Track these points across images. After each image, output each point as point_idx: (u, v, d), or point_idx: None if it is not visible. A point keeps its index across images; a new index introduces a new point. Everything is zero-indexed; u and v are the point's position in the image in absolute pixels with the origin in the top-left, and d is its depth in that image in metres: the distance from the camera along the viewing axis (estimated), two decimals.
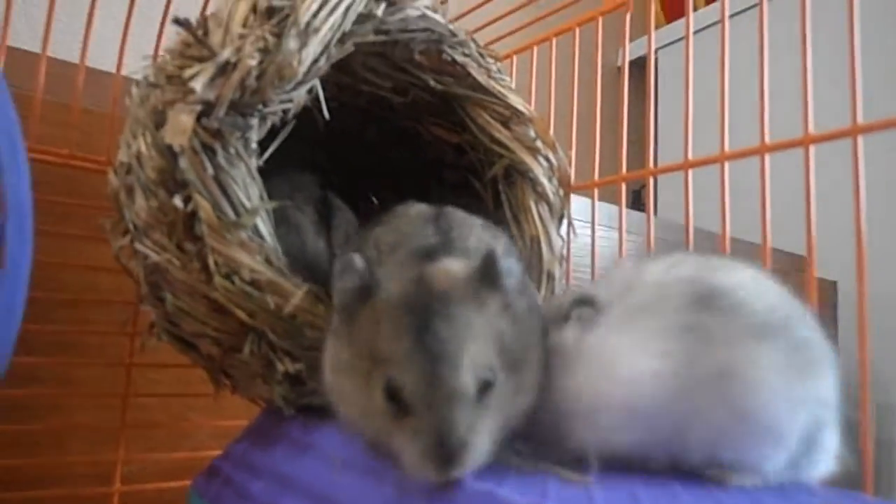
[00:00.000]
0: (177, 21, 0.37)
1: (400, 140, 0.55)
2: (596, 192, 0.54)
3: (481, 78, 0.46)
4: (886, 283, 0.48)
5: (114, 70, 0.58)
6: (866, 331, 0.38)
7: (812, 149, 0.41)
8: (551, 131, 0.51)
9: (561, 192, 0.47)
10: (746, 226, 0.54)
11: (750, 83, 0.46)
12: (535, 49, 0.61)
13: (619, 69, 0.55)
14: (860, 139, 0.39)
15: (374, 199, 0.63)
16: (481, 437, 0.25)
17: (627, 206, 0.52)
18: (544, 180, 0.46)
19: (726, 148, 0.45)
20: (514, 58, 0.64)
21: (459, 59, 0.45)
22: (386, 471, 0.29)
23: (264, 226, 0.37)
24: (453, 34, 0.45)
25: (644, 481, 0.25)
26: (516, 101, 0.47)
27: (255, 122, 0.37)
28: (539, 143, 0.47)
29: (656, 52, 1.12)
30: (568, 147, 0.54)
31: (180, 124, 0.35)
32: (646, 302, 0.27)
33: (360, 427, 0.29)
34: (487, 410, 0.25)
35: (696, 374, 0.25)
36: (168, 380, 0.62)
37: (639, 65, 1.36)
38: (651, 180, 0.51)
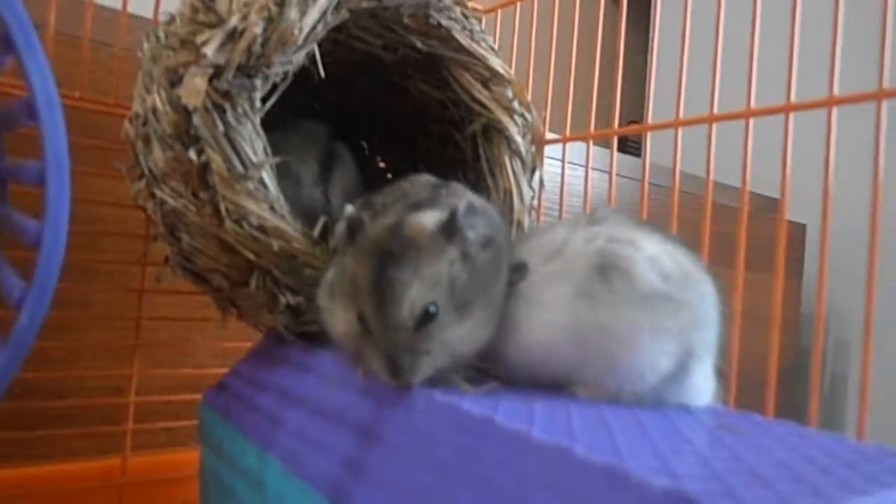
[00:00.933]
0: None
1: (389, 91, 0.59)
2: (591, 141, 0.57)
3: (464, 41, 0.50)
4: (850, 224, 0.53)
5: (119, 6, 0.61)
6: (825, 274, 0.42)
7: (791, 115, 0.44)
8: (551, 78, 0.56)
9: (533, 148, 0.52)
10: (728, 170, 0.58)
11: (741, 43, 0.48)
12: (530, 2, 0.64)
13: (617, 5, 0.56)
14: (835, 109, 0.42)
15: (364, 145, 0.67)
16: (421, 356, 0.32)
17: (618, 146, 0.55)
18: (518, 138, 0.51)
19: (715, 109, 0.48)
20: (518, 5, 0.66)
21: (444, 22, 0.50)
22: (368, 386, 0.36)
23: (269, 178, 0.42)
24: (438, 0, 0.49)
25: (544, 396, 0.33)
26: (496, 63, 0.51)
27: (259, 83, 0.42)
28: (515, 104, 0.51)
29: None
30: (565, 93, 0.58)
31: (195, 86, 0.40)
32: (561, 270, 0.34)
33: (344, 344, 0.36)
34: (430, 337, 0.32)
35: (584, 328, 0.33)
36: (172, 304, 0.68)
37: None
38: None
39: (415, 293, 0.32)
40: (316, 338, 0.45)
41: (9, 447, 0.60)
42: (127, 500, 0.61)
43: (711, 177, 0.48)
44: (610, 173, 0.54)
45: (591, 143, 0.56)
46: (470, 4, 0.66)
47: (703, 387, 0.35)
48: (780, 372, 0.49)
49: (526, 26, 0.63)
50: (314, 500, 0.35)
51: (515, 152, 0.51)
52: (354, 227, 0.35)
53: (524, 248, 0.38)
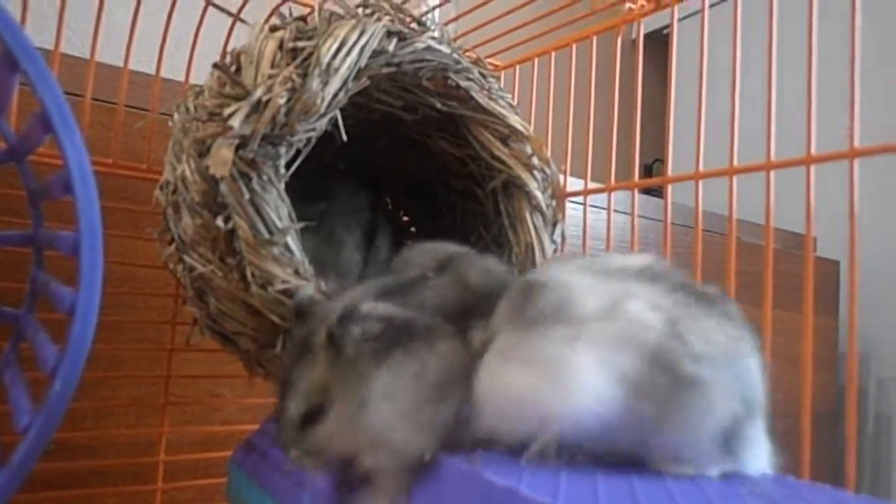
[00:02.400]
0: (216, 66, 0.43)
1: (410, 148, 0.60)
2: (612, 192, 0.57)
3: (482, 100, 0.51)
4: (887, 260, 0.52)
5: (152, 72, 0.63)
6: (856, 311, 0.41)
7: (817, 169, 0.44)
8: (569, 132, 0.57)
9: (554, 202, 0.53)
10: (757, 207, 0.57)
11: (761, 89, 0.47)
12: (547, 57, 0.65)
13: (634, 61, 0.57)
14: (856, 162, 0.42)
15: (387, 200, 0.69)
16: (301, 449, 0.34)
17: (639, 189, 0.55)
18: (538, 193, 0.51)
19: (736, 159, 0.48)
20: (535, 61, 0.67)
21: (463, 83, 0.51)
22: None
23: (293, 243, 0.43)
24: (457, 62, 0.50)
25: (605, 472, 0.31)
26: (514, 120, 0.52)
27: (283, 150, 0.43)
28: (535, 160, 0.52)
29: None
30: (585, 146, 0.58)
31: (222, 157, 0.41)
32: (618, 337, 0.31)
33: None
34: (314, 429, 0.34)
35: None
36: (200, 361, 0.69)
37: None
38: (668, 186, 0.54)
39: (303, 391, 0.34)
40: None
41: None
42: None
43: (734, 227, 0.48)
44: (632, 225, 0.54)
45: (612, 194, 0.57)
46: (489, 61, 0.68)
47: (758, 451, 0.33)
48: (820, 413, 0.48)
49: (545, 79, 0.64)
50: None
51: (536, 207, 0.51)
52: (299, 310, 0.37)
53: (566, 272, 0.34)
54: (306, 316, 0.37)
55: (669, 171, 0.52)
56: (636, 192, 0.54)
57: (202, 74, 0.62)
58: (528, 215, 0.51)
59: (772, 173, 0.45)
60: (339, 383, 0.33)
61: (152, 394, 0.66)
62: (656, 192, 1.66)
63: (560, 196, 0.53)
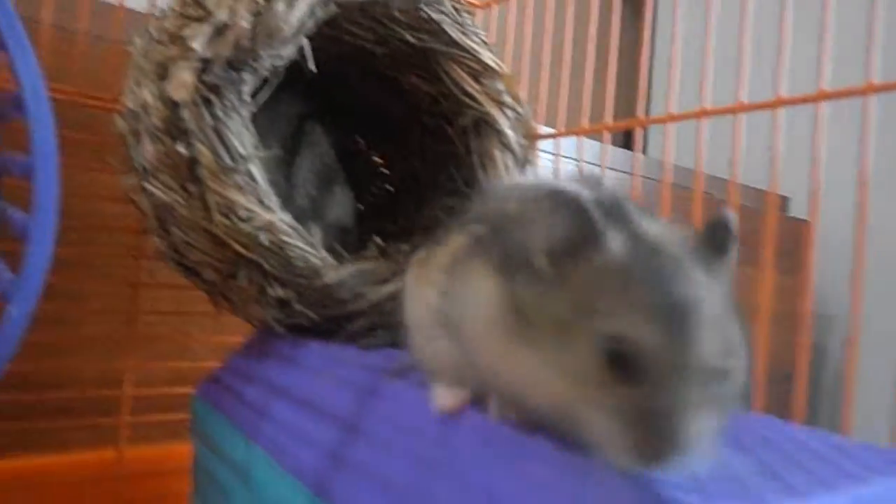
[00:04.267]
0: None
1: (381, 86, 0.59)
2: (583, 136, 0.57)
3: (455, 34, 0.50)
4: (842, 213, 0.53)
5: (115, 1, 0.61)
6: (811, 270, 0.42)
7: (782, 111, 0.44)
8: (547, 69, 0.56)
9: (525, 142, 0.52)
10: (723, 163, 0.56)
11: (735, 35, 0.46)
12: None
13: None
14: (826, 107, 0.42)
15: (358, 139, 0.67)
16: (708, 431, 0.21)
17: (616, 143, 0.55)
18: (509, 132, 0.51)
19: (707, 104, 0.47)
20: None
21: (435, 16, 0.50)
22: (351, 378, 0.36)
23: (257, 171, 0.42)
24: None
25: None
26: (487, 56, 0.51)
27: (248, 76, 0.42)
28: (506, 98, 0.51)
29: None
30: (558, 88, 0.57)
31: (183, 80, 0.40)
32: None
33: (526, 395, 0.24)
34: (715, 401, 0.22)
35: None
36: (170, 299, 0.68)
37: None
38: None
39: (721, 329, 0.22)
40: (304, 331, 0.45)
41: (4, 439, 0.60)
42: (122, 492, 0.62)
43: (701, 168, 0.48)
44: (602, 168, 0.54)
45: (582, 140, 0.56)
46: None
47: None
48: (784, 370, 0.49)
49: (521, 21, 0.63)
50: (297, 491, 0.35)
51: (506, 146, 0.51)
52: (590, 238, 0.23)
53: None
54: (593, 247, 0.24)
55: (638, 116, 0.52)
56: (606, 134, 0.54)
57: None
58: (498, 154, 0.51)
59: (742, 129, 0.45)
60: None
61: (119, 329, 0.65)
62: (628, 145, 1.66)
63: (532, 137, 0.53)
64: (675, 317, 0.21)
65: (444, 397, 0.29)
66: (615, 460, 0.21)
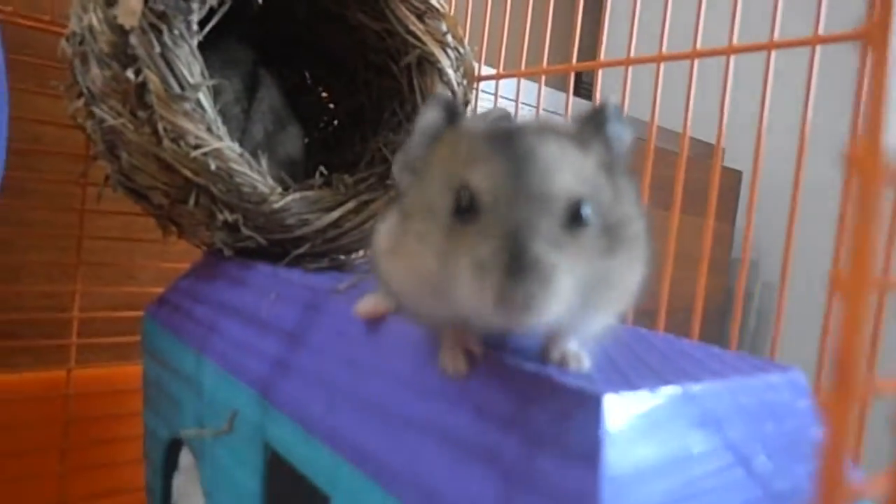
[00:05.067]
0: None
1: (328, 22, 0.60)
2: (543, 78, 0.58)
3: None
4: (786, 174, 0.56)
5: None
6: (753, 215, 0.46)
7: (733, 57, 0.46)
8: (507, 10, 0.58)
9: (465, 82, 0.55)
10: (673, 115, 0.57)
11: None
12: None
13: None
14: (776, 55, 0.44)
15: (306, 74, 0.69)
16: (565, 274, 0.21)
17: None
18: (450, 71, 0.53)
19: (664, 49, 0.49)
20: None
21: None
22: (295, 294, 0.39)
23: (206, 99, 0.44)
24: None
25: None
26: None
27: (195, 5, 0.43)
28: (449, 38, 0.54)
29: None
30: (522, 28, 0.60)
31: (130, 6, 0.41)
32: None
33: (420, 287, 0.25)
34: (578, 250, 0.22)
35: None
36: (116, 226, 0.69)
37: None
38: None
39: (567, 174, 0.22)
40: (252, 254, 0.48)
41: None
42: (73, 410, 0.64)
43: (657, 113, 0.50)
44: (537, 108, 0.57)
45: (521, 81, 0.59)
46: None
47: None
48: (709, 311, 0.53)
49: None
50: (247, 395, 0.39)
51: (447, 85, 0.54)
52: (453, 111, 0.26)
53: None
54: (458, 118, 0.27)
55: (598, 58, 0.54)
56: (542, 77, 0.57)
57: None
58: (440, 92, 0.53)
59: (694, 78, 0.48)
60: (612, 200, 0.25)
61: (65, 255, 0.66)
62: (587, 90, 1.68)
63: (471, 78, 0.55)
64: (511, 161, 0.22)
65: (363, 305, 0.34)
66: (478, 312, 0.21)
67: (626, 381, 0.25)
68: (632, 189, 0.26)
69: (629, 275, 0.25)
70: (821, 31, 0.43)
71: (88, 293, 0.66)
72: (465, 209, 0.22)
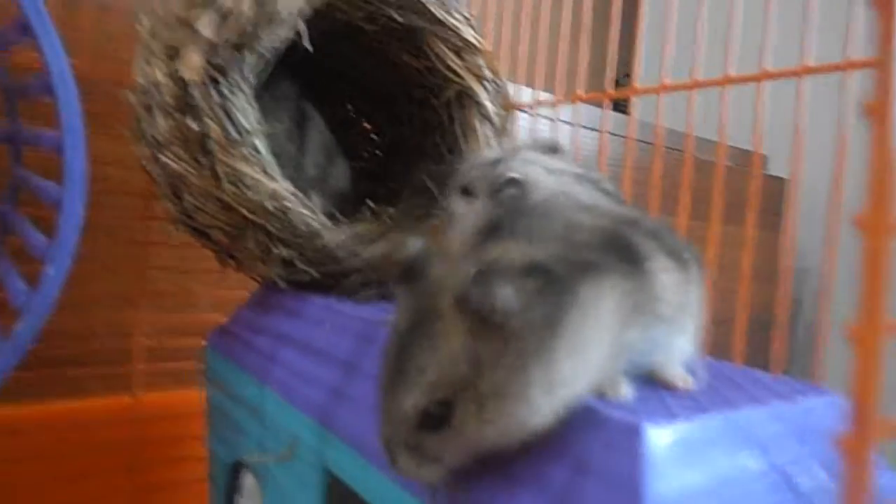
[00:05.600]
0: None
1: (371, 58, 0.63)
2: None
3: (438, 13, 0.55)
4: (830, 180, 0.56)
5: None
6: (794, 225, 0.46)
7: (770, 86, 0.46)
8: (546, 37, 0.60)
9: (503, 112, 0.57)
10: (709, 124, 0.57)
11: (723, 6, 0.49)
12: None
13: None
14: (807, 80, 0.44)
15: (349, 107, 0.72)
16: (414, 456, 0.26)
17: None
18: (488, 104, 0.56)
19: (698, 76, 0.50)
20: None
21: None
22: (350, 325, 0.42)
23: (261, 143, 0.47)
24: None
25: None
26: (468, 33, 0.56)
27: (250, 57, 0.46)
28: (486, 72, 0.56)
29: None
30: (555, 55, 0.61)
31: (192, 62, 0.44)
32: None
33: None
34: (437, 433, 0.26)
35: None
36: (174, 257, 0.73)
37: None
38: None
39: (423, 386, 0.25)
40: (306, 286, 0.51)
41: (25, 387, 0.65)
42: (139, 434, 0.68)
43: (692, 140, 0.51)
44: (601, 142, 0.59)
45: (558, 107, 0.61)
46: None
47: None
48: (760, 322, 0.53)
49: None
50: (306, 423, 0.41)
51: (486, 117, 0.56)
52: (412, 268, 0.27)
53: None
54: (418, 277, 0.27)
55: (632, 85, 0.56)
56: (578, 104, 0.58)
57: None
58: (478, 125, 0.56)
59: (729, 97, 0.48)
60: (488, 364, 0.24)
61: (127, 286, 0.71)
62: (621, 105, 1.69)
63: (508, 107, 0.58)
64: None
65: None
66: None
67: (668, 411, 0.26)
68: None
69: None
70: (854, 57, 0.43)
71: (150, 321, 0.70)
72: None
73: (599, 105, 0.58)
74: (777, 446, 0.29)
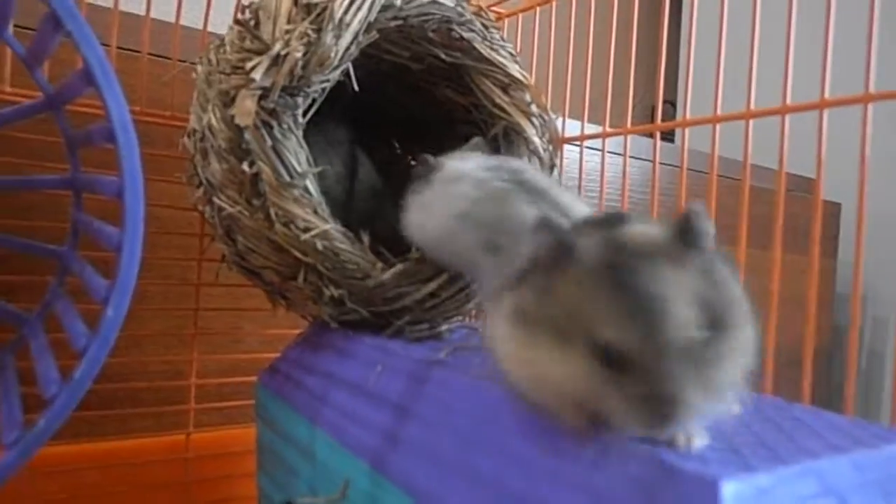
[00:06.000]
0: (237, 21, 0.46)
1: (417, 96, 0.64)
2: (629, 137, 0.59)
3: (484, 51, 0.55)
4: (887, 204, 0.52)
5: (172, 20, 0.67)
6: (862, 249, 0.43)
7: (826, 112, 0.44)
8: (589, 72, 0.60)
9: (551, 147, 0.57)
10: (764, 151, 0.56)
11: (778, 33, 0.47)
12: (549, 7, 0.67)
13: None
14: (870, 106, 0.42)
15: (395, 145, 0.72)
16: (695, 392, 0.25)
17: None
18: (536, 139, 0.55)
19: (752, 105, 0.49)
20: (537, 10, 0.68)
21: (466, 35, 0.54)
22: (402, 366, 0.41)
23: (312, 185, 0.47)
24: (460, 14, 0.53)
25: None
26: (514, 69, 0.56)
27: (301, 100, 0.47)
28: (533, 107, 0.56)
29: None
30: (604, 89, 0.61)
31: (246, 107, 0.45)
32: None
33: (549, 390, 0.29)
34: (709, 366, 0.26)
35: None
36: (224, 296, 0.74)
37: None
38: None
39: (682, 311, 0.26)
40: (356, 326, 0.50)
41: (81, 426, 0.67)
42: (191, 473, 0.68)
43: (748, 171, 0.50)
44: (623, 168, 0.58)
45: (605, 139, 0.60)
46: (492, 9, 0.71)
47: None
48: (816, 351, 0.50)
49: (545, 28, 0.67)
50: (358, 466, 0.40)
51: (534, 152, 0.55)
52: (563, 251, 0.28)
53: None
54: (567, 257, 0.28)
55: (682, 115, 0.54)
56: (628, 137, 0.58)
57: (217, 21, 0.65)
58: (526, 160, 0.55)
59: (787, 126, 0.47)
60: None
61: (178, 325, 0.72)
62: (667, 134, 1.68)
63: (557, 142, 0.57)
64: (643, 313, 0.25)
65: None
66: (627, 429, 0.26)
67: (744, 463, 0.25)
68: (726, 268, 0.29)
69: (744, 354, 0.28)
70: None
71: (202, 360, 0.71)
72: (609, 362, 0.26)
73: (647, 135, 0.57)
74: (860, 498, 0.28)
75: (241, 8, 0.59)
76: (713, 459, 0.25)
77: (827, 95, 0.45)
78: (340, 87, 0.54)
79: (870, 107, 0.43)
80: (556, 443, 0.29)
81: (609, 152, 0.61)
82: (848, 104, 0.44)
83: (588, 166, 0.65)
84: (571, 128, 0.65)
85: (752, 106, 0.49)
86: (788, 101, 0.47)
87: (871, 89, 0.43)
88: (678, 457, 0.25)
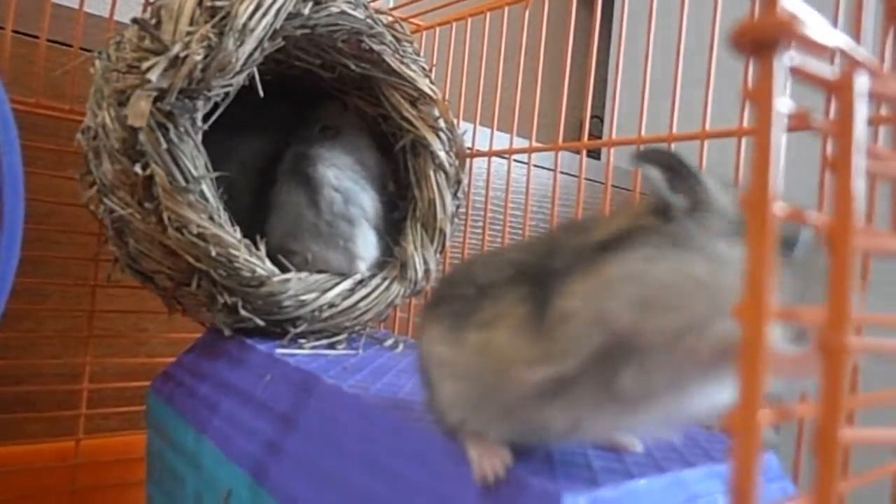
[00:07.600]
0: (135, 21, 0.45)
1: (329, 103, 0.64)
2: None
3: (394, 64, 0.55)
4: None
5: (76, 5, 0.64)
6: None
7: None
8: (519, 84, 0.61)
9: (457, 162, 0.58)
10: None
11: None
12: (463, 22, 0.69)
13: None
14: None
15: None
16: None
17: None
18: (442, 154, 0.56)
19: (674, 129, 0.51)
20: (453, 25, 0.69)
21: (376, 47, 0.54)
22: (290, 376, 0.41)
23: (208, 190, 0.46)
24: (371, 27, 0.53)
25: None
26: (424, 84, 0.56)
27: (200, 104, 0.47)
28: (441, 122, 0.57)
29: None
30: (532, 102, 0.62)
31: (140, 108, 0.44)
32: None
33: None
34: None
35: None
36: (126, 297, 0.72)
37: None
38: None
39: None
40: (252, 334, 0.50)
41: None
42: (80, 480, 0.65)
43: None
44: (579, 188, 0.59)
45: (531, 154, 0.62)
46: (413, 21, 0.71)
47: None
48: None
49: (460, 42, 0.68)
50: (240, 478, 0.40)
51: (440, 166, 0.56)
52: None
53: None
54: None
55: (609, 135, 0.56)
56: (558, 153, 0.59)
57: (125, 10, 0.63)
58: (431, 173, 0.56)
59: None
60: None
61: (77, 327, 0.69)
62: (595, 154, 1.72)
63: (462, 157, 0.58)
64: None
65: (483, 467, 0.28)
66: None
67: (591, 477, 0.26)
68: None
69: None
70: None
71: (100, 363, 0.68)
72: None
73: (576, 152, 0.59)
74: None
75: (144, 6, 0.58)
76: (562, 474, 0.26)
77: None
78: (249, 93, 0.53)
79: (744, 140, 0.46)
80: (426, 457, 0.29)
81: (535, 166, 0.63)
82: (725, 136, 0.47)
83: (512, 178, 0.66)
84: (501, 141, 0.66)
85: (675, 130, 0.51)
86: (708, 127, 0.49)
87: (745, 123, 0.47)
88: (528, 471, 0.26)
